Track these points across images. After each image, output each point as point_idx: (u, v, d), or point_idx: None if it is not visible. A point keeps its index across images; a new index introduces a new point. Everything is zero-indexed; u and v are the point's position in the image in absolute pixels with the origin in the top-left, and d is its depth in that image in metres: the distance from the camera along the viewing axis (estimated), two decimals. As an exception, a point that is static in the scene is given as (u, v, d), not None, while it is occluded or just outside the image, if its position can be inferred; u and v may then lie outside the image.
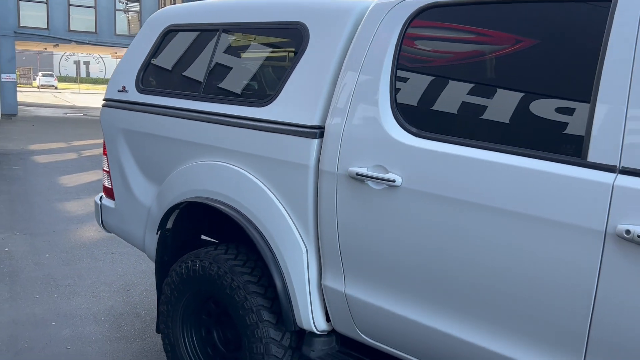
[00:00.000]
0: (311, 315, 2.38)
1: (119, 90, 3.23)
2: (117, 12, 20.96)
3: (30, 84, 52.71)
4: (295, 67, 2.46)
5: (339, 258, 2.25)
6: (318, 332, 2.42)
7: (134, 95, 3.13)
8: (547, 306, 1.72)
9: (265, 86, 2.60)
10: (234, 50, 2.78)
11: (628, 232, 1.54)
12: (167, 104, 2.93)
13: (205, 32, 2.93)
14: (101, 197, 3.44)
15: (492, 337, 1.86)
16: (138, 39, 3.27)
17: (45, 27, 19.93)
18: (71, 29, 20.26)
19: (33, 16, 19.79)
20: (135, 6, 22.14)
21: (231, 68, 2.76)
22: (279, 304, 2.43)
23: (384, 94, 2.15)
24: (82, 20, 20.31)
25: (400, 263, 2.06)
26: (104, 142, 3.32)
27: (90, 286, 4.33)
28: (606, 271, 1.60)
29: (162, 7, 22.65)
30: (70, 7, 20.11)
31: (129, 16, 21.86)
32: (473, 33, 2.02)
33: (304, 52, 2.45)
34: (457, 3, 2.07)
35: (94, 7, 20.49)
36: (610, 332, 1.61)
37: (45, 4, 19.87)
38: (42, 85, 46.28)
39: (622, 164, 1.61)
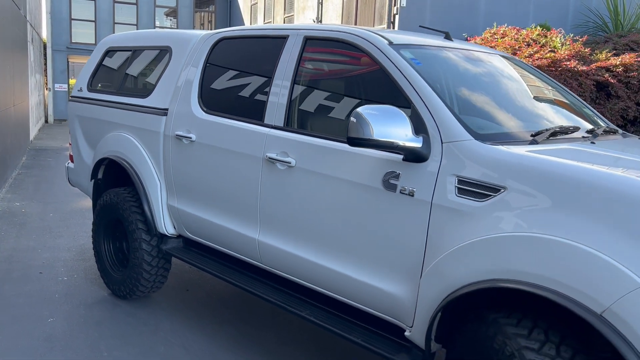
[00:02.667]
0: (164, 224, 3.91)
1: (78, 90, 4.89)
2: (156, 29, 23.28)
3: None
4: (163, 73, 4.03)
5: (173, 186, 3.79)
6: (169, 235, 3.95)
7: (86, 93, 4.78)
8: (245, 196, 3.20)
9: (148, 85, 4.18)
10: (137, 63, 4.38)
11: (266, 156, 3.02)
12: (100, 98, 4.55)
13: (125, 52, 4.55)
14: (68, 162, 5.10)
15: (234, 222, 3.35)
16: (91, 56, 4.92)
17: (93, 42, 22.37)
18: (116, 44, 22.63)
19: (83, 33, 22.30)
20: (173, 22, 24.44)
21: (134, 74, 4.37)
22: (146, 218, 3.97)
23: (195, 89, 3.69)
24: (125, 36, 22.64)
25: (199, 186, 3.58)
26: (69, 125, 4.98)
27: (73, 233, 6.01)
28: (264, 177, 3.08)
29: (195, 24, 24.81)
30: (115, 24, 22.54)
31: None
32: (239, 52, 3.54)
33: (168, 64, 4.02)
34: (234, 37, 3.60)
35: (136, 25, 22.85)
36: (270, 212, 3.08)
37: (93, 23, 22.36)
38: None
39: (269, 123, 3.09)
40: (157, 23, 23.94)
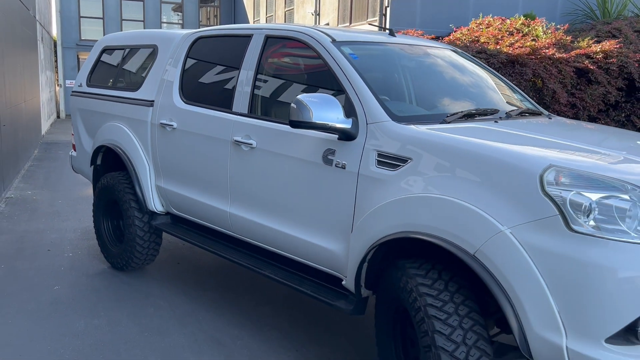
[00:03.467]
0: (153, 203, 4.43)
1: (78, 86, 5.42)
2: (162, 24, 23.84)
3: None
4: (151, 68, 4.54)
5: (159, 168, 4.31)
6: (158, 212, 4.47)
7: (85, 88, 5.30)
8: (217, 174, 3.71)
9: (138, 80, 4.69)
10: (129, 60, 4.89)
11: (233, 139, 3.52)
12: (98, 92, 5.08)
13: (119, 50, 5.07)
14: (71, 151, 5.64)
15: (209, 198, 3.86)
16: (90, 54, 5.44)
17: (102, 39, 23.01)
18: (124, 40, 23.26)
19: (92, 30, 22.93)
20: (180, 17, 25.00)
21: (126, 70, 4.88)
22: (138, 198, 4.49)
23: (176, 82, 4.19)
24: (132, 32, 23.24)
25: (181, 167, 4.09)
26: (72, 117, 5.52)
27: (79, 217, 6.57)
28: (232, 157, 3.58)
29: (200, 19, 25.30)
30: (123, 21, 23.16)
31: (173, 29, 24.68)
32: (214, 49, 4.04)
33: (155, 60, 4.53)
34: (209, 36, 4.10)
35: (143, 21, 23.44)
36: (237, 187, 3.58)
37: (101, 20, 22.99)
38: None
39: (236, 111, 3.59)
40: (164, 19, 24.51)
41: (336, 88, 3.10)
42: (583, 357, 2.09)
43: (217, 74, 3.95)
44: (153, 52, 4.60)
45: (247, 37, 3.75)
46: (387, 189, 2.68)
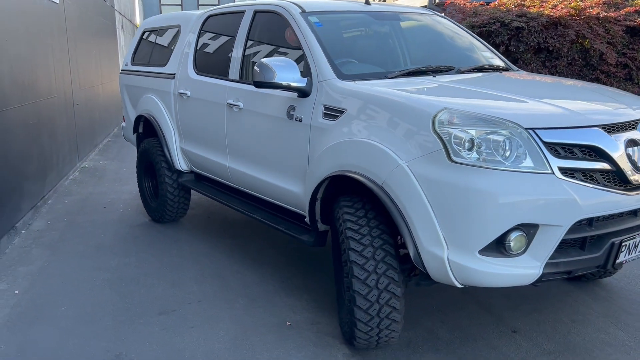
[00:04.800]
0: (179, 163, 5.14)
1: (125, 65, 6.22)
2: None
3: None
4: (175, 47, 5.21)
5: (181, 132, 4.99)
6: (184, 171, 5.17)
7: (130, 67, 6.09)
8: (218, 133, 4.31)
9: (166, 56, 5.37)
10: (161, 39, 5.60)
11: (227, 102, 4.10)
12: (137, 69, 5.84)
13: (155, 31, 5.79)
14: (122, 122, 6.49)
15: (214, 155, 4.48)
16: (134, 36, 6.22)
17: (181, 24, 24.48)
18: (201, 24, 24.62)
19: (171, 16, 24.47)
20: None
21: (158, 48, 5.59)
22: (167, 159, 5.20)
23: (191, 57, 4.82)
24: (208, 16, 24.50)
25: (194, 130, 4.74)
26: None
27: (137, 182, 7.48)
28: (227, 118, 4.17)
29: None
30: (200, 6, 24.41)
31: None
32: (219, 26, 4.63)
33: (178, 39, 5.19)
34: (216, 14, 4.68)
35: (218, 4, 24.58)
36: (232, 144, 4.17)
37: (180, 6, 24.39)
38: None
39: (230, 78, 4.15)
40: (237, 1, 25.58)
41: (301, 52, 3.58)
42: (459, 266, 2.50)
43: (219, 47, 4.54)
44: (177, 31, 5.27)
45: (242, 13, 4.29)
46: (329, 136, 3.15)
